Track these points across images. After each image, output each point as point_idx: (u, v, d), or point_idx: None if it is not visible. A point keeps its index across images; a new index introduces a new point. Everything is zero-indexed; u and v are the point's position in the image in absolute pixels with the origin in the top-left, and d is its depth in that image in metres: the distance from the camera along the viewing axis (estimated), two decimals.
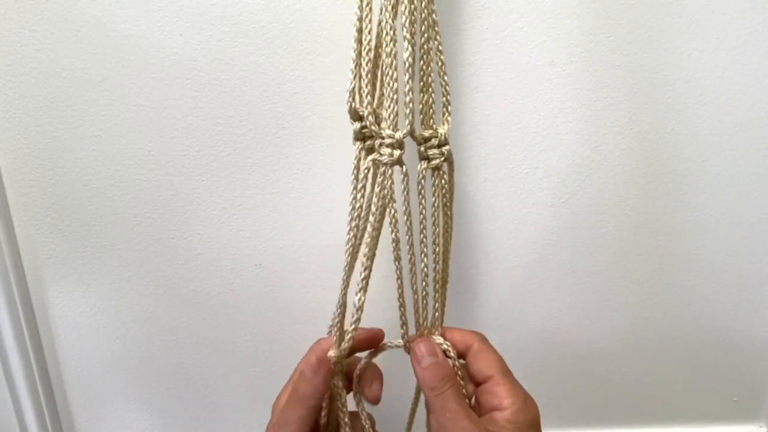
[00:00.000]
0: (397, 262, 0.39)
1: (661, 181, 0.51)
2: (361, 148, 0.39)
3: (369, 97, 0.37)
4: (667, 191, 0.52)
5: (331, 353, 0.40)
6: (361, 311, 0.39)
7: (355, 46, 0.37)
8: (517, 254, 0.54)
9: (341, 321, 0.40)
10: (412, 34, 0.36)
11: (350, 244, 0.39)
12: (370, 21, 0.37)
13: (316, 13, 0.45)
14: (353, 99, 0.38)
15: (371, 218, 0.39)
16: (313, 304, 0.53)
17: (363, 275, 0.38)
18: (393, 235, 0.38)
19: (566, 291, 0.55)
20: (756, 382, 0.60)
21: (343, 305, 0.40)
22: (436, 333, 0.42)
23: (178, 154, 0.49)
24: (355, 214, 0.38)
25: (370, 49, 0.37)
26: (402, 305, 0.40)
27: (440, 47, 0.38)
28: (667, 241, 0.54)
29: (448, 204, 0.41)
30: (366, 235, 0.39)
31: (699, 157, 0.51)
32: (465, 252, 0.53)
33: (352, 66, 0.37)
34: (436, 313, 0.42)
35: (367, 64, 0.37)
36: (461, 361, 0.41)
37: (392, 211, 0.38)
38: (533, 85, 0.47)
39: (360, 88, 0.38)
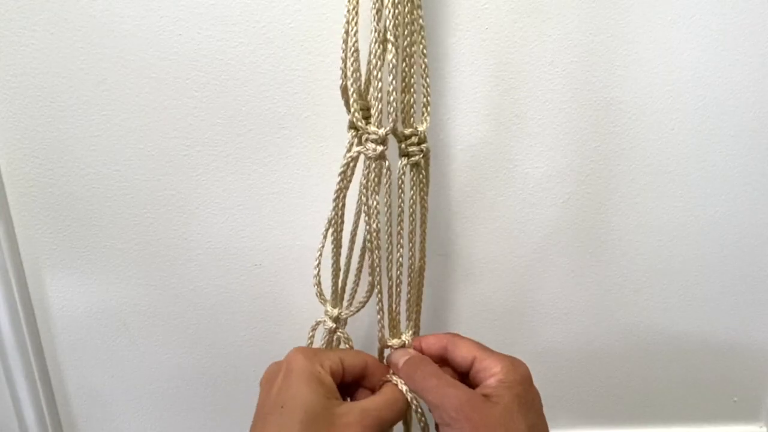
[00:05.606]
0: (376, 252, 0.42)
1: (661, 181, 0.51)
2: (354, 135, 0.41)
3: (355, 95, 0.39)
4: (667, 191, 0.52)
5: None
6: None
7: (342, 46, 0.39)
8: (517, 254, 0.54)
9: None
10: (396, 37, 0.38)
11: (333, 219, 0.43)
12: (357, 23, 0.39)
13: (316, 13, 0.45)
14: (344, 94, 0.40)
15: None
16: (313, 304, 0.53)
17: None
18: (374, 225, 0.41)
19: (566, 291, 0.55)
20: (756, 382, 0.61)
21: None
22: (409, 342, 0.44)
23: (178, 154, 0.49)
24: (335, 196, 0.42)
25: (356, 50, 0.39)
26: (380, 309, 0.44)
27: (424, 51, 0.40)
28: (667, 241, 0.54)
29: (425, 198, 0.44)
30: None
31: (699, 156, 0.51)
32: (464, 252, 0.53)
33: (341, 64, 0.39)
34: (410, 303, 0.45)
35: (352, 64, 0.39)
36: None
37: (374, 202, 0.40)
38: (533, 85, 0.47)
39: (346, 87, 0.40)
